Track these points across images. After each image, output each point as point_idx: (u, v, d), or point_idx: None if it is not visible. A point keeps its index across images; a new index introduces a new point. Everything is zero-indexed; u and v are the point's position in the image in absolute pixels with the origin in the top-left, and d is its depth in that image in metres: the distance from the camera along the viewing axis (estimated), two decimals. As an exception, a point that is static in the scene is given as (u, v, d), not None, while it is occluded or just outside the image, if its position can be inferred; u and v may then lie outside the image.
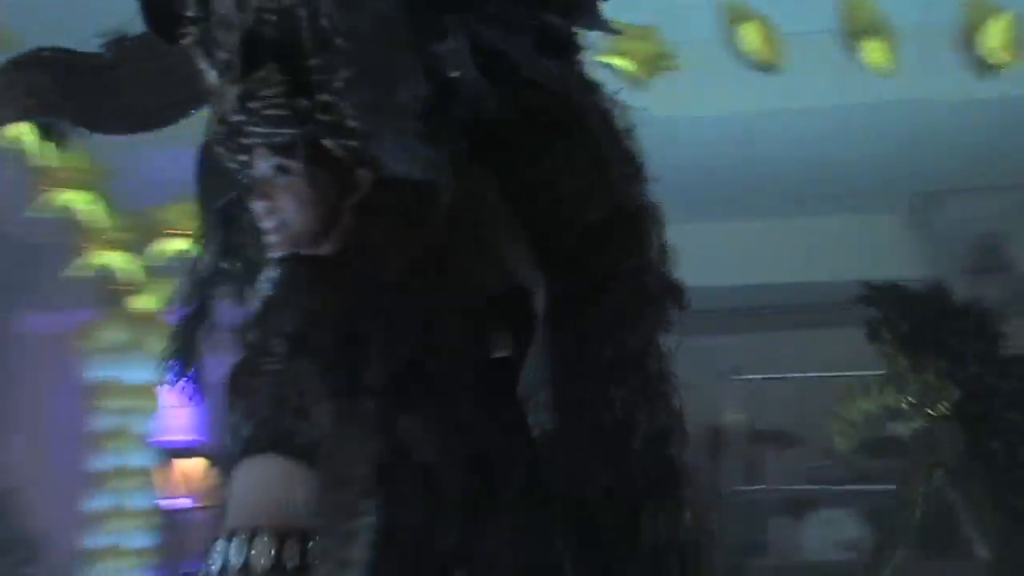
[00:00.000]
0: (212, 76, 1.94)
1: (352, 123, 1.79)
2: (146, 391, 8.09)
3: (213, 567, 1.68)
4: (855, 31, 6.84)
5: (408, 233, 1.81)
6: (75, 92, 2.12)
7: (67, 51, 2.10)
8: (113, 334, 7.96)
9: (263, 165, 1.92)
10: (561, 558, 1.84)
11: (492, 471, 1.77)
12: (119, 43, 2.09)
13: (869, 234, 11.15)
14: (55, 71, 2.09)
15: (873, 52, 6.87)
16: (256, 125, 1.87)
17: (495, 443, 1.77)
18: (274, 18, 1.86)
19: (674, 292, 2.05)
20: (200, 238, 2.15)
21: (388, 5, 1.84)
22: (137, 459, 8.56)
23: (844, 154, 9.66)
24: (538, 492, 1.82)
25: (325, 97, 1.81)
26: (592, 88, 2.00)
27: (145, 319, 8.12)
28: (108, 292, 8.05)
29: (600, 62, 6.45)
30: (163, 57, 2.09)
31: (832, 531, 10.12)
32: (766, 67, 6.95)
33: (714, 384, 10.76)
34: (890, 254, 10.92)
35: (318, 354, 1.75)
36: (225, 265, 2.12)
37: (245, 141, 1.92)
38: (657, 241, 2.00)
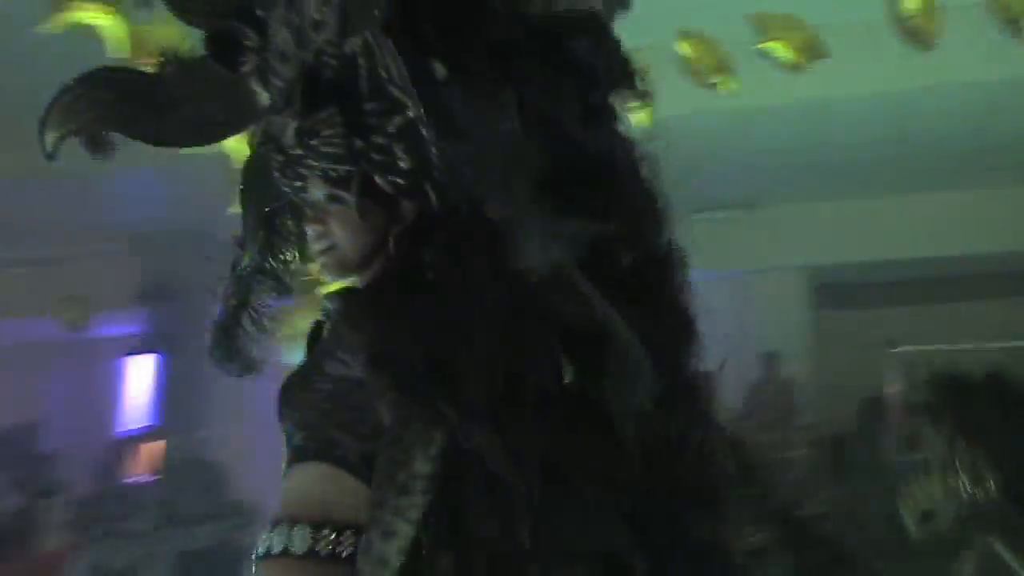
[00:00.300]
0: (266, 100, 2.10)
1: (431, 171, 1.87)
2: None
3: (260, 550, 1.79)
4: (1007, 5, 6.56)
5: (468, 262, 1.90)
6: (135, 107, 2.19)
7: (128, 70, 2.21)
8: (306, 321, 8.42)
9: (317, 193, 2.01)
10: (627, 554, 1.93)
11: (563, 479, 1.87)
12: (177, 64, 2.20)
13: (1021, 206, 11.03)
14: (117, 88, 2.18)
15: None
16: (314, 159, 1.97)
17: (566, 456, 1.84)
18: (334, 62, 2.01)
19: (693, 327, 2.09)
20: (244, 239, 2.23)
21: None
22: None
23: (997, 128, 9.67)
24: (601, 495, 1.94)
25: (379, 139, 1.91)
26: (627, 147, 2.08)
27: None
28: (301, 282, 8.58)
29: (759, 50, 6.72)
30: (216, 79, 2.20)
31: None
32: (922, 44, 6.65)
33: (873, 357, 10.88)
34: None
35: (392, 376, 1.82)
36: (266, 264, 2.22)
37: (303, 171, 2.01)
38: (682, 279, 2.07)
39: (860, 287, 12.36)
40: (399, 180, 1.89)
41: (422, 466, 1.74)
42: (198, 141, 2.26)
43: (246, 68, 2.14)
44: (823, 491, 10.74)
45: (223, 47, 2.17)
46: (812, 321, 11.61)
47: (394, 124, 1.92)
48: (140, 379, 14.28)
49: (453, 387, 1.78)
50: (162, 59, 2.16)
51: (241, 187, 2.22)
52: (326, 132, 1.96)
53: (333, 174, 1.95)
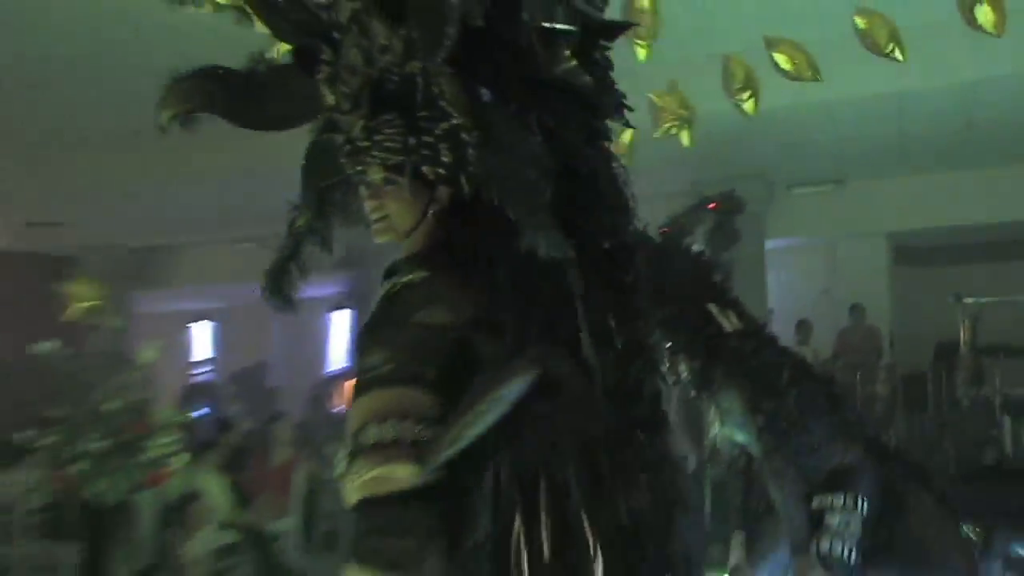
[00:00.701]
0: (331, 101, 2.26)
1: (468, 166, 2.08)
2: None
3: (353, 447, 1.93)
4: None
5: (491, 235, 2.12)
6: (232, 97, 2.35)
7: (228, 69, 2.33)
8: None
9: (376, 176, 2.18)
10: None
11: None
12: (267, 66, 2.39)
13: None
14: (220, 81, 2.33)
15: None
16: (378, 150, 2.16)
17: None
18: (396, 79, 2.19)
19: (646, 298, 2.34)
20: (300, 205, 2.41)
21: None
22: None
23: None
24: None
25: (428, 139, 2.12)
26: (611, 160, 2.27)
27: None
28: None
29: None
30: (296, 81, 2.38)
31: None
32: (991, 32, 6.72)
33: (944, 308, 11.04)
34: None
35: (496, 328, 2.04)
36: (317, 225, 2.39)
37: (367, 159, 2.18)
38: (641, 263, 2.33)
39: (933, 249, 12.44)
40: (440, 170, 2.10)
41: (510, 390, 1.93)
42: (275, 128, 2.44)
43: (320, 76, 2.28)
44: (903, 421, 10.93)
45: (303, 57, 2.34)
46: (892, 278, 11.67)
47: (441, 128, 2.11)
48: (341, 329, 15.38)
49: (540, 333, 2.04)
50: (256, 61, 2.35)
51: (303, 165, 2.41)
52: (388, 131, 2.14)
53: (390, 162, 2.13)
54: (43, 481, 7.63)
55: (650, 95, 7.03)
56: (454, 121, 2.11)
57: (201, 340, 18.04)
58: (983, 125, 10.33)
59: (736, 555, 4.33)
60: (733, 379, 3.93)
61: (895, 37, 6.67)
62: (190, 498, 7.90)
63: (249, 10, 2.47)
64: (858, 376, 11.08)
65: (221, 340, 17.82)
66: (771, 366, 3.93)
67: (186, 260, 15.07)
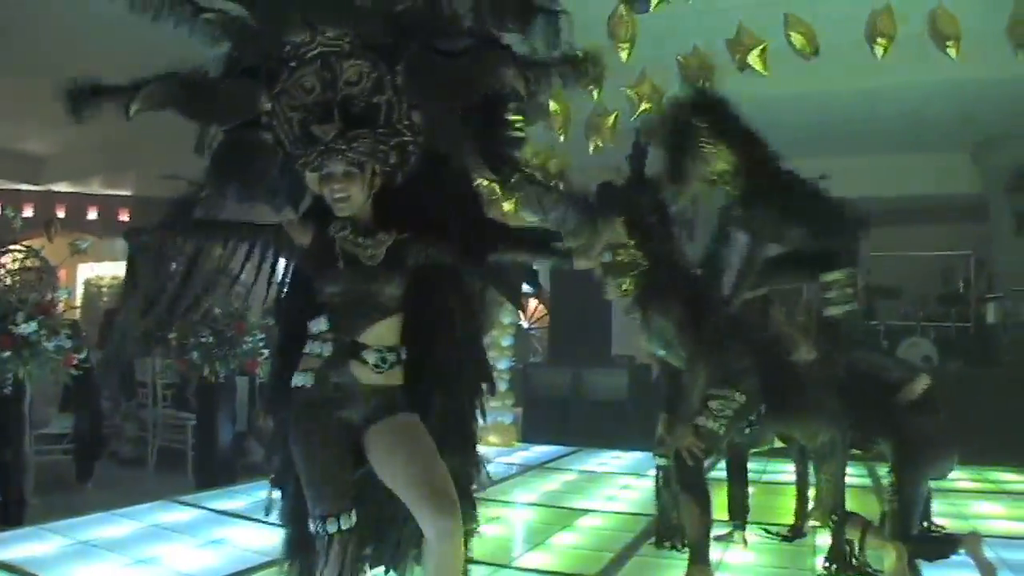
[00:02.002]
0: (267, 106, 2.50)
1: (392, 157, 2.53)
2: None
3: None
4: None
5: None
6: (189, 97, 2.45)
7: (185, 74, 2.43)
8: None
9: (339, 168, 2.50)
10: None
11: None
12: (215, 73, 2.52)
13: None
14: (179, 84, 2.43)
15: None
16: (353, 152, 2.46)
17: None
18: (362, 104, 2.50)
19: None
20: (208, 181, 2.56)
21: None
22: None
23: (935, 111, 9.88)
24: None
25: (384, 148, 2.50)
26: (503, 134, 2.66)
27: (506, 214, 9.11)
28: (488, 199, 9.00)
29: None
30: (237, 86, 2.51)
31: (916, 350, 10.16)
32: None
33: None
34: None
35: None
36: (214, 199, 2.59)
37: (339, 157, 2.46)
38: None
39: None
40: (388, 169, 2.56)
41: None
42: (219, 122, 2.56)
43: (275, 89, 2.51)
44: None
45: (250, 71, 2.54)
46: None
47: (394, 142, 2.53)
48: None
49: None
50: (207, 71, 2.49)
51: (219, 152, 2.59)
52: (363, 140, 2.48)
53: (357, 161, 2.48)
54: (171, 364, 7.97)
55: (624, 88, 7.30)
56: (405, 138, 2.52)
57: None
58: (882, 121, 10.42)
59: (659, 429, 4.63)
60: (663, 307, 4.04)
61: (816, 45, 6.95)
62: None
63: (222, 33, 2.54)
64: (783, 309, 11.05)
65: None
66: (693, 298, 4.03)
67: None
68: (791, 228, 4.10)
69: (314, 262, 2.60)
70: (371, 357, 2.56)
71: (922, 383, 4.02)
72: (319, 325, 2.58)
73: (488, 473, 2.91)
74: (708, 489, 3.94)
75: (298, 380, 2.56)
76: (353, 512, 2.50)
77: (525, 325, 15.00)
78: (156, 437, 7.99)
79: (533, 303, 15.21)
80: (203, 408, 7.32)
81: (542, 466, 8.08)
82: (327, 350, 2.55)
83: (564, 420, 10.14)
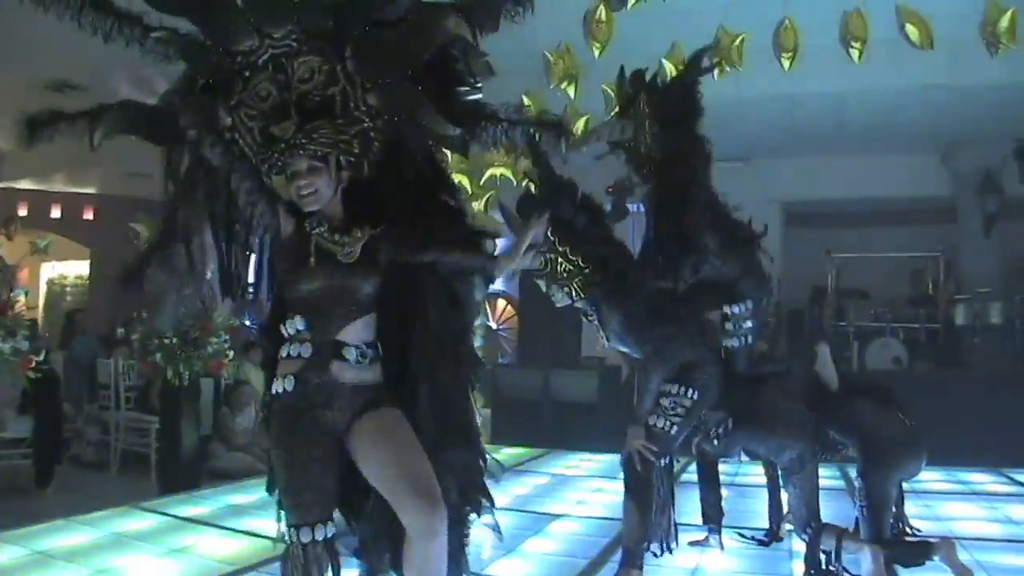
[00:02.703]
0: (230, 123, 2.43)
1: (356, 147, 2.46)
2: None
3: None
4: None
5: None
6: (148, 122, 2.42)
7: (146, 106, 2.41)
8: None
9: (302, 164, 2.46)
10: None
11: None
12: (174, 96, 2.45)
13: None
14: (138, 110, 2.41)
15: None
16: (314, 145, 2.42)
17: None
18: (318, 99, 2.47)
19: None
20: (185, 207, 2.46)
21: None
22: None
23: (907, 114, 9.95)
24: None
25: (346, 137, 2.45)
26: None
27: (476, 214, 9.00)
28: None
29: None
30: (196, 106, 2.44)
31: (886, 351, 10.45)
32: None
33: (820, 259, 11.26)
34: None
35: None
36: (194, 225, 2.46)
37: (300, 152, 2.42)
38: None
39: (813, 215, 12.46)
40: (352, 159, 2.50)
41: None
42: (185, 144, 2.47)
43: (232, 101, 2.45)
44: (786, 342, 10.97)
45: (210, 89, 2.48)
46: (783, 236, 11.46)
47: (355, 130, 2.48)
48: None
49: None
50: (165, 96, 2.45)
51: (187, 176, 2.48)
52: (322, 131, 2.43)
53: (320, 153, 2.44)
54: (134, 366, 7.86)
55: (603, 86, 7.27)
56: (366, 125, 2.47)
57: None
58: (851, 124, 10.47)
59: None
60: (618, 310, 4.04)
61: (795, 48, 6.99)
62: (239, 383, 8.17)
63: (174, 52, 2.48)
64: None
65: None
66: (649, 298, 4.00)
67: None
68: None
69: (291, 257, 2.53)
70: (351, 353, 2.50)
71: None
72: (295, 326, 2.51)
73: (500, 463, 2.83)
74: (653, 495, 3.96)
75: (277, 387, 2.49)
76: (331, 523, 2.43)
77: (493, 326, 14.94)
78: (119, 440, 7.85)
79: (501, 303, 15.14)
80: (167, 411, 7.21)
81: (511, 469, 7.93)
82: (306, 351, 2.49)
83: (533, 422, 10.07)
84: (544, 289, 4.20)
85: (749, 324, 4.17)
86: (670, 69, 7.11)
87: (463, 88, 2.59)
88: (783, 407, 4.07)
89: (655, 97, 4.27)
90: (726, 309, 4.16)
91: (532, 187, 4.25)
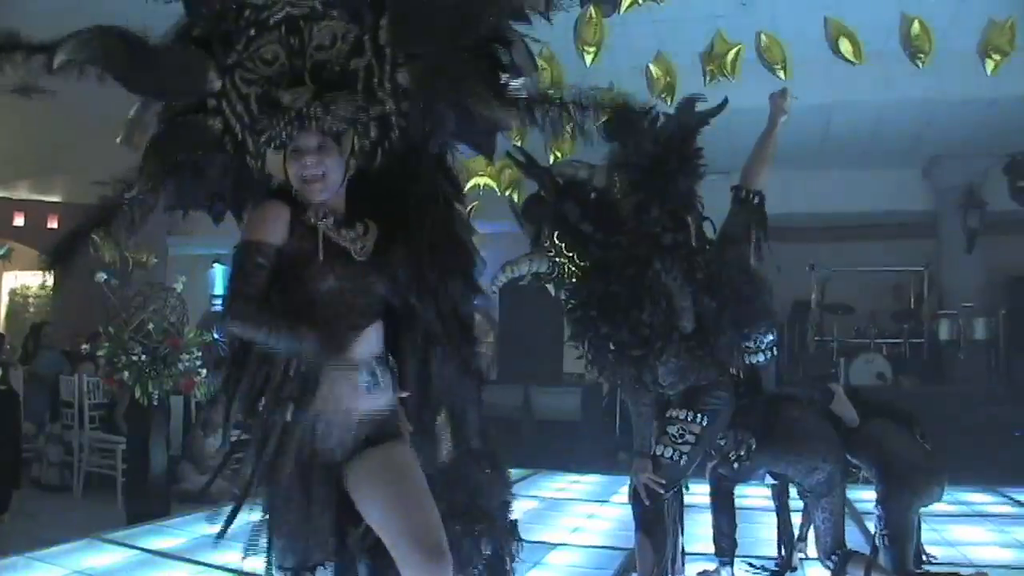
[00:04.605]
0: (217, 84, 2.11)
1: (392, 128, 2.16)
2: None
3: None
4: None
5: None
6: (129, 61, 2.04)
7: (128, 31, 2.04)
8: None
9: (312, 141, 2.12)
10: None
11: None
12: (167, 43, 2.14)
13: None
14: (119, 40, 2.03)
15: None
16: (332, 117, 2.09)
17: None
18: (337, 70, 2.14)
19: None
20: (143, 176, 2.15)
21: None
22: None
23: (890, 128, 9.94)
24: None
25: (364, 117, 2.15)
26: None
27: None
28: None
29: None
30: (183, 58, 2.14)
31: (871, 367, 10.32)
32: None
33: (803, 273, 11.10)
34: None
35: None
36: (148, 197, 2.18)
37: (312, 124, 2.08)
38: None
39: (795, 229, 11.83)
40: (367, 141, 2.18)
41: None
42: (157, 96, 2.20)
43: (229, 61, 2.14)
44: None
45: (202, 41, 2.16)
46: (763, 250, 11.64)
47: (375, 111, 2.17)
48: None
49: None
50: (158, 38, 2.11)
51: (156, 140, 2.18)
52: (342, 103, 2.11)
53: (335, 129, 2.12)
54: (100, 383, 7.52)
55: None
56: (388, 108, 2.16)
57: (220, 277, 17.29)
58: (835, 137, 10.36)
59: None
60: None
61: (784, 59, 6.89)
62: (211, 402, 7.80)
63: None
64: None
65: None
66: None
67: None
68: None
69: (297, 253, 2.14)
70: (362, 376, 2.17)
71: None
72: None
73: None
74: (667, 530, 3.67)
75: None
76: (330, 567, 2.14)
77: (470, 340, 14.62)
78: (83, 462, 7.45)
79: (478, 318, 14.84)
80: (134, 431, 6.84)
81: (498, 491, 7.64)
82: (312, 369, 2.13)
83: (515, 441, 9.78)
84: (554, 293, 3.90)
85: (771, 337, 3.93)
86: (657, 75, 7.13)
87: (508, 76, 2.24)
88: (812, 425, 3.85)
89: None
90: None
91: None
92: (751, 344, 3.90)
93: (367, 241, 2.19)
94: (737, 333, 3.73)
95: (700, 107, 3.85)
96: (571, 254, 3.73)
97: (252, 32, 2.13)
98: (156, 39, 2.11)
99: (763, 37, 6.85)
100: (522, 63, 2.24)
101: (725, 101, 3.89)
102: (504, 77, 2.24)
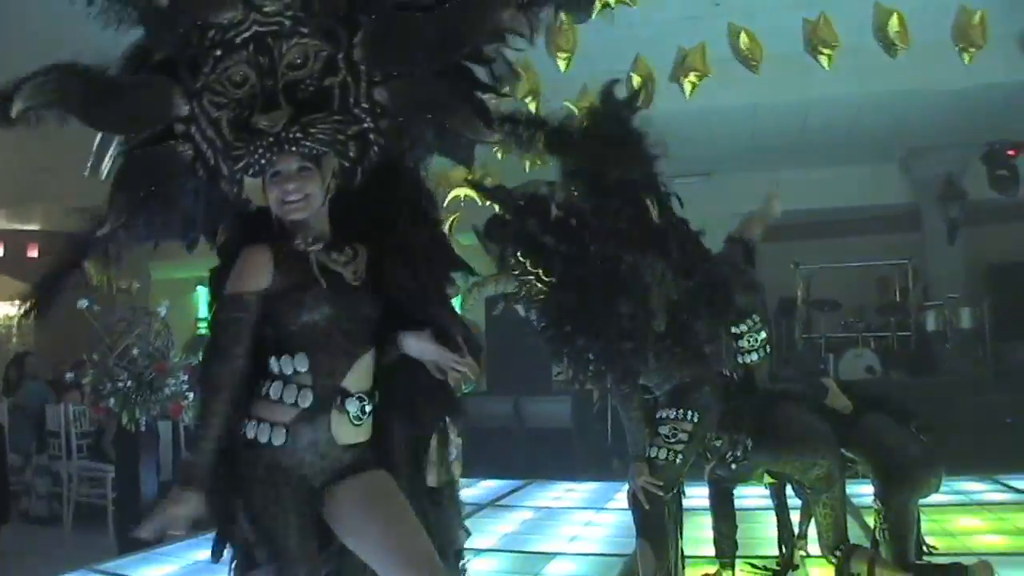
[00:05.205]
0: (184, 111, 2.05)
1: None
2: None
3: None
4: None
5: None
6: (86, 96, 1.99)
7: (85, 68, 1.99)
8: None
9: (292, 165, 2.04)
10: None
11: None
12: (120, 70, 2.06)
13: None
14: (75, 78, 1.98)
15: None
16: (311, 141, 2.02)
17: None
18: (312, 89, 2.08)
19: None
20: (112, 211, 2.08)
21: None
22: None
23: (869, 123, 10.04)
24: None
25: (342, 137, 2.10)
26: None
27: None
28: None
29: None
30: (145, 87, 2.07)
31: (859, 361, 10.23)
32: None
33: (788, 271, 11.08)
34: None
35: None
36: (121, 233, 2.10)
37: (291, 148, 2.01)
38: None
39: (777, 227, 12.34)
40: (346, 162, 2.14)
41: None
42: (121, 130, 2.13)
43: (197, 85, 2.07)
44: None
45: (165, 66, 2.09)
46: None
47: (352, 130, 2.13)
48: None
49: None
50: (117, 68, 2.07)
51: (121, 173, 2.12)
52: (321, 126, 2.05)
53: (315, 152, 2.05)
54: (86, 411, 7.44)
55: (566, 102, 7.09)
56: (365, 126, 2.11)
57: (204, 300, 17.35)
58: (813, 134, 10.40)
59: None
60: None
61: (760, 56, 6.91)
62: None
63: (131, 14, 2.06)
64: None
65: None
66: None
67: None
68: None
69: (289, 283, 2.07)
70: (352, 407, 2.10)
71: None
72: (294, 364, 2.07)
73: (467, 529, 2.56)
74: (667, 534, 3.64)
75: (261, 435, 2.04)
76: None
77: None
78: (72, 492, 7.35)
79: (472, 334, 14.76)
80: (123, 458, 6.74)
81: (493, 504, 7.54)
82: (306, 399, 2.06)
83: (506, 452, 9.73)
84: (523, 313, 3.81)
85: (763, 335, 3.95)
86: (637, 82, 7.14)
87: (487, 93, 2.18)
88: (807, 422, 3.83)
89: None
90: (733, 329, 3.92)
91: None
92: (745, 344, 3.91)
93: (359, 265, 2.13)
94: (718, 318, 3.72)
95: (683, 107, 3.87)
96: (537, 270, 3.63)
97: (219, 53, 2.07)
98: (116, 70, 2.06)
99: (742, 35, 6.82)
100: (502, 76, 2.20)
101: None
102: (482, 95, 2.20)
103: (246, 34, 2.07)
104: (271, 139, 2.01)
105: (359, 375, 2.14)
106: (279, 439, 2.05)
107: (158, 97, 2.07)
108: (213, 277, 2.18)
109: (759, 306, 4.12)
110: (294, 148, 2.03)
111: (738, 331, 3.96)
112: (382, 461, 2.21)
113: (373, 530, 2.08)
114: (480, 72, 2.21)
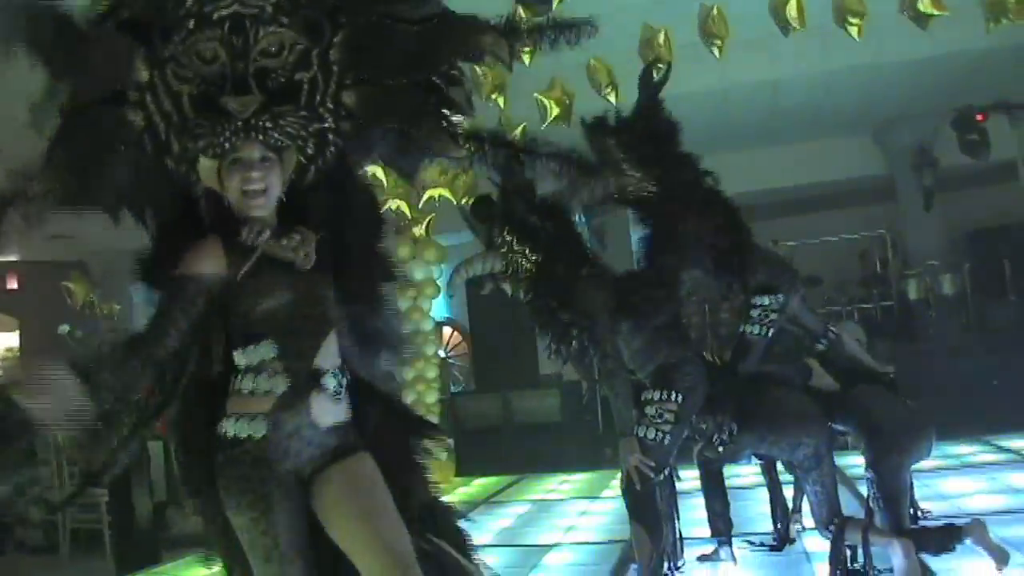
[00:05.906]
0: (147, 79, 2.00)
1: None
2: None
3: None
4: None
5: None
6: (53, 39, 1.96)
7: (53, 7, 1.96)
8: (402, 250, 8.15)
9: (255, 153, 2.01)
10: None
11: None
12: (87, 21, 2.01)
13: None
14: (44, 16, 1.95)
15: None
16: (278, 132, 2.02)
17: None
18: (282, 80, 2.07)
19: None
20: (47, 170, 1.99)
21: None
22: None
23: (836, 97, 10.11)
24: None
25: (304, 133, 2.08)
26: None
27: (418, 240, 8.55)
28: (398, 224, 8.76)
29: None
30: (110, 45, 2.02)
31: (850, 334, 10.36)
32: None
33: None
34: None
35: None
36: (50, 193, 1.98)
37: (257, 137, 1.99)
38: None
39: (756, 205, 12.04)
40: (303, 159, 2.11)
41: None
42: (80, 84, 2.04)
43: (165, 53, 2.02)
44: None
45: (136, 28, 2.03)
46: None
47: (313, 127, 2.09)
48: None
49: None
50: (85, 20, 2.01)
51: (63, 131, 2.03)
52: (290, 118, 2.05)
53: (279, 144, 2.04)
54: (73, 437, 7.38)
55: (536, 94, 7.09)
56: (326, 125, 2.10)
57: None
58: (784, 111, 10.42)
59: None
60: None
61: (726, 33, 6.91)
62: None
63: None
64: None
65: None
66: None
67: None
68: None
69: (242, 273, 2.03)
70: (330, 383, 2.07)
71: None
72: (261, 352, 2.04)
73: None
74: (660, 516, 3.68)
75: (240, 430, 2.00)
76: None
77: (442, 354, 14.54)
78: (67, 519, 7.29)
79: (448, 331, 14.76)
80: (116, 481, 6.70)
81: (488, 500, 7.59)
82: (279, 385, 2.03)
83: (497, 448, 9.77)
84: (510, 293, 3.93)
85: (774, 317, 3.90)
86: (598, 69, 7.14)
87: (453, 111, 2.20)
88: (792, 402, 3.85)
89: (625, 138, 4.00)
90: (756, 300, 3.88)
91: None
92: (755, 314, 3.88)
93: (308, 248, 2.08)
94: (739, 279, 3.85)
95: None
96: (523, 248, 3.76)
97: (192, 24, 2.03)
98: (84, 21, 2.00)
99: (713, 9, 6.78)
100: (462, 103, 2.21)
101: None
102: (448, 112, 2.22)
103: (224, 12, 2.04)
104: (239, 124, 1.99)
105: (327, 352, 2.11)
106: (261, 430, 2.01)
107: (120, 58, 2.01)
108: (145, 263, 2.12)
109: (787, 288, 4.06)
110: (261, 137, 2.01)
111: (760, 302, 3.90)
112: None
113: (349, 518, 2.05)
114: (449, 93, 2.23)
